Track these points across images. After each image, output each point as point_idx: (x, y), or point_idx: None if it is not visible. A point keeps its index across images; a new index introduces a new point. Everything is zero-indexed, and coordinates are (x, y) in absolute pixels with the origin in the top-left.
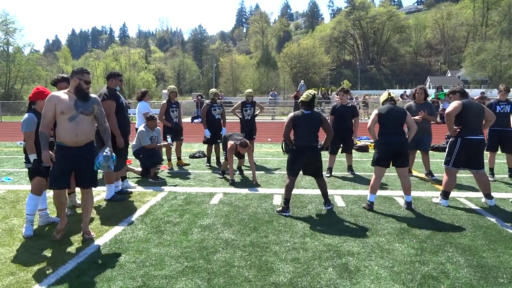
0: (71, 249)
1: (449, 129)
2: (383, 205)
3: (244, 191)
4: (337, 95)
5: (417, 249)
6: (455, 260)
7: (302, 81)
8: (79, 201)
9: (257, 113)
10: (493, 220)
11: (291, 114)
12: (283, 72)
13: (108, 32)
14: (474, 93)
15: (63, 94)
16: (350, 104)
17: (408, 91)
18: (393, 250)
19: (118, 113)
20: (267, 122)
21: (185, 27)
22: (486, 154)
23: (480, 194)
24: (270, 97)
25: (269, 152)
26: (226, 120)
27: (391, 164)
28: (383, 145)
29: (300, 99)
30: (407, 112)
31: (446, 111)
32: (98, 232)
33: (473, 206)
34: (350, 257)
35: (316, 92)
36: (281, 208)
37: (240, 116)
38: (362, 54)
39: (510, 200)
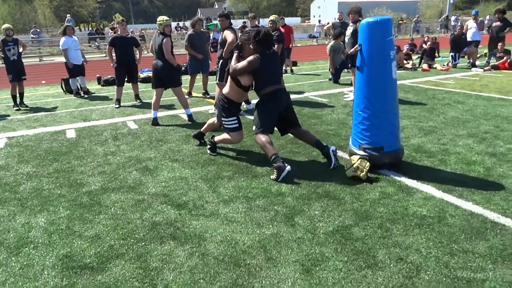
0: None
1: (224, 51)
2: (170, 121)
3: (32, 131)
4: (113, 30)
5: (199, 146)
6: (226, 146)
7: (69, 15)
8: None
9: (21, 50)
10: (251, 117)
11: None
12: (41, 6)
13: None
14: (237, 23)
15: None
16: (130, 36)
17: (182, 23)
18: (182, 150)
19: None
20: (36, 64)
21: None
22: None
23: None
24: (32, 35)
25: (48, 94)
26: None
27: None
28: (153, 67)
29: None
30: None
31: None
32: None
33: None
34: (149, 161)
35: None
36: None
37: (3, 56)
38: None
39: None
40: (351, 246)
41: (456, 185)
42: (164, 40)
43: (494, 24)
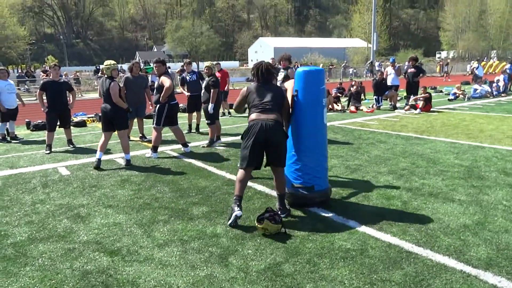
0: None
1: (162, 96)
2: (105, 166)
3: None
4: (45, 72)
5: (135, 190)
6: (162, 190)
7: None
8: None
9: None
10: (188, 160)
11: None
12: None
13: None
14: (177, 66)
15: None
16: (62, 80)
17: (125, 66)
18: (117, 195)
19: None
20: None
21: None
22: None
23: (179, 146)
24: None
25: None
26: None
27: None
28: (102, 110)
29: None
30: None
31: (167, 85)
32: None
33: (175, 154)
34: (81, 208)
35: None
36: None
37: None
38: (65, 27)
39: (201, 146)
40: (281, 282)
41: (377, 219)
42: (112, 84)
43: (409, 70)
